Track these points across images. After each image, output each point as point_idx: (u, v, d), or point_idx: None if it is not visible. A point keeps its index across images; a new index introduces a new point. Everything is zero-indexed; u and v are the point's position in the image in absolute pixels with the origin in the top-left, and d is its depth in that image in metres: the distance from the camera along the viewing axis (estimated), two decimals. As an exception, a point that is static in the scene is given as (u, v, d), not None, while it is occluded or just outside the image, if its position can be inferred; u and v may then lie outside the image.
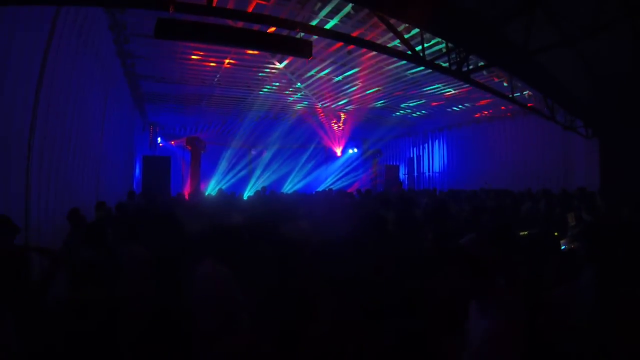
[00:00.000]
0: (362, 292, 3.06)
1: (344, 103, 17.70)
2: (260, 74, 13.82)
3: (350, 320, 2.86)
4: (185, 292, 3.43)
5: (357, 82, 14.54)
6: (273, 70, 13.44)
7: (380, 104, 17.67)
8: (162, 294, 3.99)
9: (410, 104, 18.08)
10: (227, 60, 12.23)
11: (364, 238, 4.38)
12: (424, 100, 17.09)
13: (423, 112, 19.56)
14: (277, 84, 14.99)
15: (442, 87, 15.01)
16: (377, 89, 15.22)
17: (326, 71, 13.41)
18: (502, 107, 17.08)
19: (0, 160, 4.75)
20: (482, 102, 16.90)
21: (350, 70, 13.26)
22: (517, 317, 2.05)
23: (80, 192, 7.96)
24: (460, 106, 18.05)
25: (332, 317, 2.93)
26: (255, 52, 11.15)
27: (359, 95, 16.31)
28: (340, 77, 14.04)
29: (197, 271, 3.31)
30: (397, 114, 19.67)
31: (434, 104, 17.31)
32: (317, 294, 3.22)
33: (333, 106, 18.22)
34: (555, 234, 5.58)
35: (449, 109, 18.73)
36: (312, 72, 13.58)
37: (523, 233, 5.68)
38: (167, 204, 9.55)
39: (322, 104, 17.82)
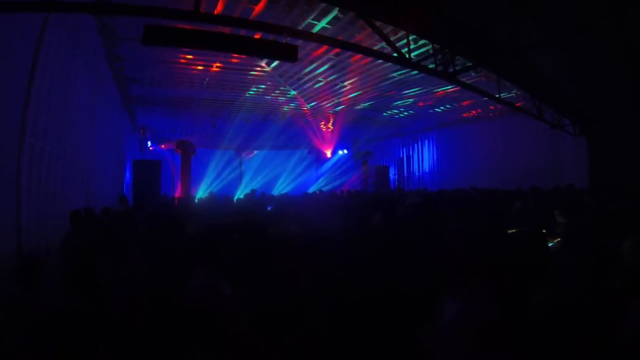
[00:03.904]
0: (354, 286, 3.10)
1: (333, 104, 17.79)
2: (249, 77, 13.87)
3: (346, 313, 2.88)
4: (178, 294, 3.46)
5: (345, 84, 14.63)
6: (262, 73, 13.49)
7: (369, 104, 17.77)
8: (155, 297, 4.01)
9: (399, 103, 18.17)
10: (215, 64, 12.29)
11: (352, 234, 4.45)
12: (411, 100, 17.15)
13: (411, 112, 19.59)
14: (265, 86, 15.05)
15: (432, 88, 15.13)
16: (365, 90, 15.31)
17: (315, 73, 13.48)
18: (492, 107, 17.22)
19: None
20: (465, 103, 17.14)
21: (338, 71, 13.35)
22: (485, 303, 2.14)
23: (71, 196, 7.94)
24: (447, 106, 18.17)
25: (326, 312, 2.96)
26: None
27: (348, 97, 16.40)
28: (328, 79, 14.11)
29: (190, 273, 3.34)
30: (387, 113, 19.71)
31: (421, 104, 17.37)
32: (310, 289, 3.26)
33: (322, 107, 18.30)
34: (543, 231, 5.67)
35: (438, 109, 18.86)
36: (301, 74, 13.66)
37: (511, 231, 5.76)
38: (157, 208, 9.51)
39: (311, 106, 17.90)
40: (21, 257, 3.19)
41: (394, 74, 13.47)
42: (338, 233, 4.41)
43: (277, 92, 15.83)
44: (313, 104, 17.57)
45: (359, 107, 18.07)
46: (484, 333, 2.08)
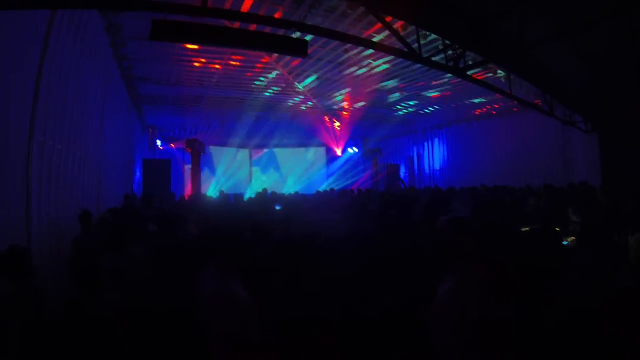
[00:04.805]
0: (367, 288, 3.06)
1: (342, 101, 17.72)
2: (257, 74, 13.84)
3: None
4: (189, 295, 3.38)
5: (355, 80, 14.51)
6: (270, 70, 13.45)
7: (378, 102, 17.67)
8: (165, 297, 3.93)
9: (410, 102, 18.06)
10: (224, 61, 12.25)
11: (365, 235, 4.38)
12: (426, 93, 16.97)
13: (418, 109, 19.50)
14: (275, 84, 15.03)
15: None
16: (374, 87, 15.21)
17: (324, 70, 13.39)
18: (501, 104, 17.01)
19: (-1, 166, 4.72)
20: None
21: (347, 68, 13.25)
22: (473, 283, 2.29)
23: (81, 196, 7.93)
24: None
25: (339, 314, 2.90)
26: (252, 52, 11.12)
27: (356, 95, 16.32)
28: (337, 76, 14.02)
29: (202, 273, 3.27)
30: (397, 111, 19.60)
31: (435, 95, 17.15)
32: (323, 291, 3.20)
33: (332, 105, 18.25)
34: (557, 229, 5.57)
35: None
36: (310, 71, 13.58)
37: (525, 229, 5.67)
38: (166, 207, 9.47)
39: (320, 103, 17.82)
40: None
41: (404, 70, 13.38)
42: (349, 236, 4.33)
43: (287, 89, 15.78)
44: (322, 101, 17.49)
45: (368, 104, 17.98)
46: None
